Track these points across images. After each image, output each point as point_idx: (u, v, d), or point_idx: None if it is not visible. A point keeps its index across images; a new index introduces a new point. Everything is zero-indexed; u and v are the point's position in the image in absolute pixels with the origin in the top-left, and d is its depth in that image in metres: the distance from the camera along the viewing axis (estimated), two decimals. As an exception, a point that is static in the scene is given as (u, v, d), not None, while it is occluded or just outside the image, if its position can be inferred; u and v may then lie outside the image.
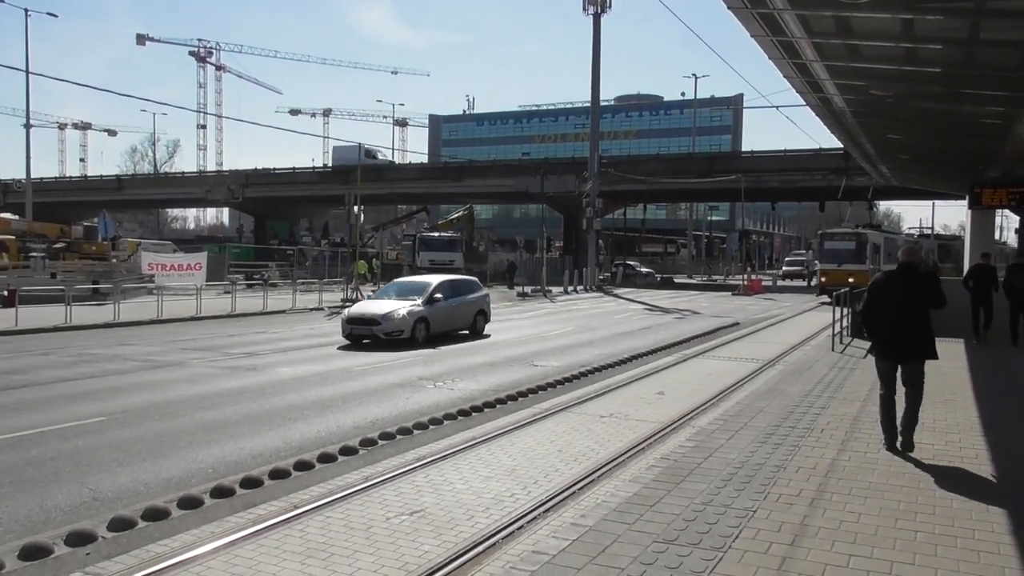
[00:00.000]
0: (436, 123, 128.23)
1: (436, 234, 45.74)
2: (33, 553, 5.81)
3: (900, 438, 7.88)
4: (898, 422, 7.93)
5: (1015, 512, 6.07)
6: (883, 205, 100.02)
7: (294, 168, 75.47)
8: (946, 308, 8.07)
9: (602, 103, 61.78)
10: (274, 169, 76.43)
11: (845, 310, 17.49)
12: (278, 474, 7.76)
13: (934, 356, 7.90)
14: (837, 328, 16.44)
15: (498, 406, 11.36)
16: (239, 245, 59.71)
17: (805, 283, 52.76)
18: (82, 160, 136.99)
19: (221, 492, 7.18)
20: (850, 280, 29.64)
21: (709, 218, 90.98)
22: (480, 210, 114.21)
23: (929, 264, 41.19)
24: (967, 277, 17.25)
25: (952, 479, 6.98)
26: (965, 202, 28.67)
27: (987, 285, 16.67)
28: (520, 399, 11.89)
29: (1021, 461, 7.71)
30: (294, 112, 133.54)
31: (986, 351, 15.81)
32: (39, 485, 7.44)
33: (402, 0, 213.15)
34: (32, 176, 51.01)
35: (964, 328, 16.85)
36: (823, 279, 35.33)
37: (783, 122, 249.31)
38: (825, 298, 32.34)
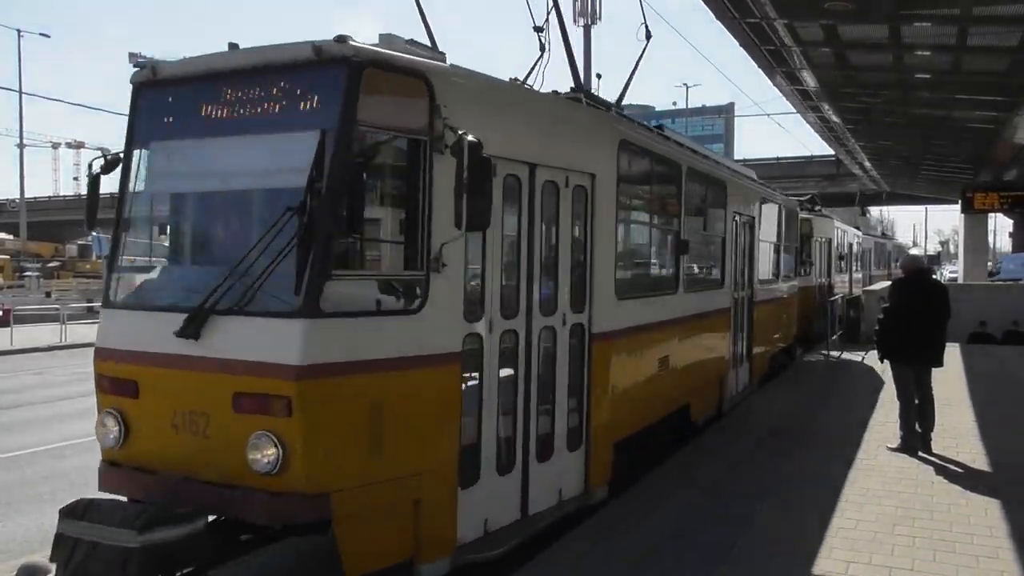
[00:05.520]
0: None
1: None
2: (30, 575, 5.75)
3: (920, 441, 8.07)
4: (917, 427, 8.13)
5: (1013, 516, 6.07)
6: (876, 211, 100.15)
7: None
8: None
9: (594, 114, 61.80)
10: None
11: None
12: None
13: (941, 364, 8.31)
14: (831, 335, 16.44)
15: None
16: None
17: None
18: (76, 179, 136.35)
19: (218, 509, 7.13)
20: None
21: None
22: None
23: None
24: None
25: (950, 483, 6.99)
26: (958, 206, 28.71)
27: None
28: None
29: (1018, 464, 7.72)
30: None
31: (980, 353, 15.87)
32: (35, 505, 7.40)
33: (392, 19, 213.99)
34: (26, 195, 51.02)
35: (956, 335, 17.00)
36: None
37: (775, 129, 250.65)
38: None
